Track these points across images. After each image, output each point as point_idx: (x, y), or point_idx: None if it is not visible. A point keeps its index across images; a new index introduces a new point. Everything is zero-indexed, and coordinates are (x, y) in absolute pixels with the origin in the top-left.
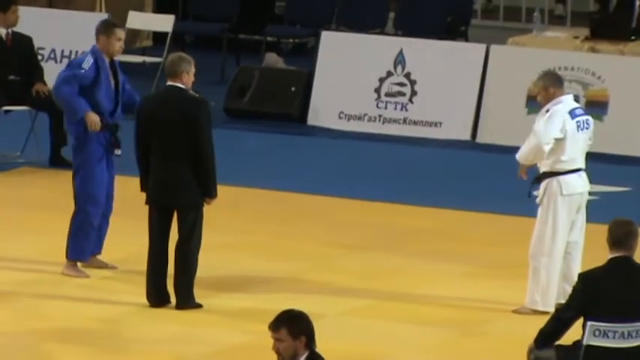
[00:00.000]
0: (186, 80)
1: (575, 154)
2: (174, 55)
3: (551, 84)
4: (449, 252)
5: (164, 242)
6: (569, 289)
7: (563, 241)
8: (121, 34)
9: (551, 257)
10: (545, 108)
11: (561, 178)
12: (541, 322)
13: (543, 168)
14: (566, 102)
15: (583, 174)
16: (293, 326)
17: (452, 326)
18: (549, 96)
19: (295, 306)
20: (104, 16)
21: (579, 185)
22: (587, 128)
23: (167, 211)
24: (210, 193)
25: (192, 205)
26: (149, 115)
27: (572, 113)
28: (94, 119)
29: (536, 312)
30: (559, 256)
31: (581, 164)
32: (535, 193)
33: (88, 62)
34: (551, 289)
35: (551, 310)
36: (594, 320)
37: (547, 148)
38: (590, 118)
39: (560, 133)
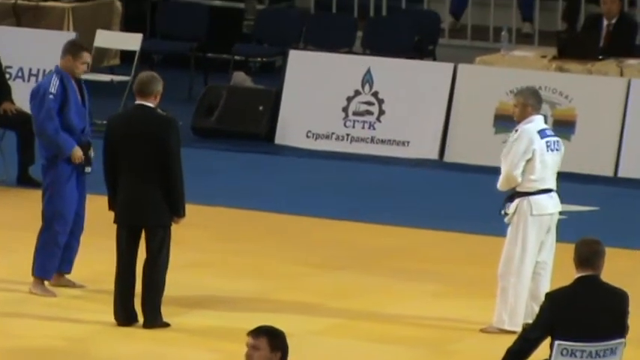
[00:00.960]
0: (157, 100)
1: (545, 174)
2: (147, 75)
3: (530, 102)
4: (418, 271)
5: (132, 261)
6: (537, 309)
7: (532, 261)
8: (87, 57)
9: (519, 277)
10: (515, 128)
11: (532, 198)
12: (509, 341)
13: (516, 187)
14: (537, 122)
15: (554, 194)
16: (273, 339)
17: (422, 345)
18: (526, 113)
19: (264, 324)
20: (72, 34)
21: (550, 206)
22: (557, 150)
23: (135, 230)
24: (178, 212)
25: (161, 224)
26: (118, 134)
27: (542, 133)
28: (78, 154)
29: (503, 331)
30: (527, 276)
31: (552, 185)
32: (503, 212)
33: (54, 85)
34: (518, 309)
35: (519, 329)
36: (562, 339)
37: (517, 172)
38: (560, 140)
39: (528, 154)
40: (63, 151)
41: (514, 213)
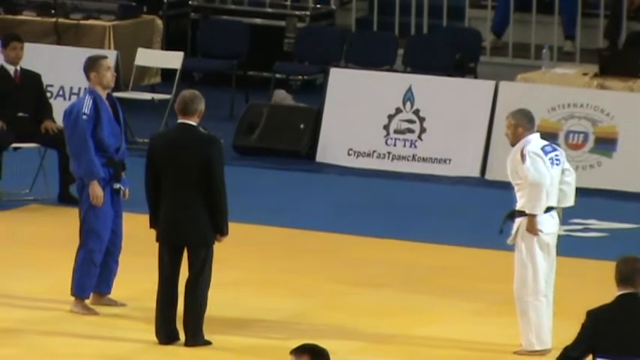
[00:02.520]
0: (199, 118)
1: (548, 191)
2: (189, 93)
3: (521, 124)
4: (460, 289)
5: (174, 279)
6: None
7: (544, 277)
8: (108, 63)
9: (537, 295)
10: (518, 152)
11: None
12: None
13: (517, 206)
14: (535, 141)
15: (554, 213)
16: (316, 357)
17: None
18: (518, 135)
19: (307, 342)
20: (113, 53)
21: (551, 225)
22: (557, 164)
23: (178, 248)
24: (222, 231)
25: (204, 242)
26: (160, 153)
27: (544, 150)
28: (97, 193)
29: (535, 352)
30: (543, 293)
31: (554, 202)
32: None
33: (87, 105)
34: (544, 327)
35: (549, 347)
36: (603, 357)
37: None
38: (559, 152)
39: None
40: (90, 177)
41: (516, 234)
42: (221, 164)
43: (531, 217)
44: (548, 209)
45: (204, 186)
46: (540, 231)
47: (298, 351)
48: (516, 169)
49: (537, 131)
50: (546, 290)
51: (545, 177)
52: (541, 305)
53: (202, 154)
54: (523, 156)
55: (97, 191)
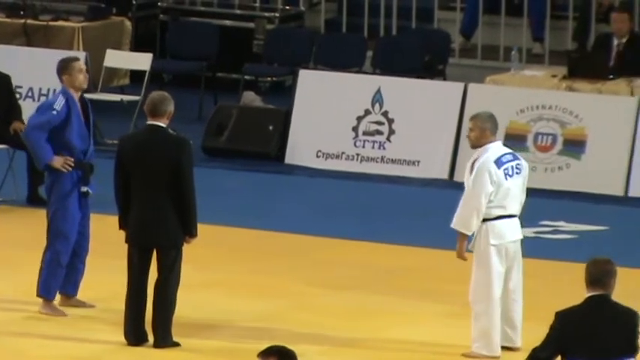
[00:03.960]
0: (169, 120)
1: (504, 202)
2: (158, 95)
3: (488, 126)
4: (429, 291)
5: (143, 280)
6: (510, 333)
7: (500, 285)
8: (80, 65)
9: (490, 302)
10: (473, 158)
11: (490, 224)
12: None
13: None
14: (493, 150)
15: (515, 221)
16: (284, 358)
17: None
18: (483, 139)
19: (275, 344)
20: (82, 54)
21: (509, 234)
22: (517, 173)
23: (147, 249)
24: (191, 232)
25: (173, 244)
26: (129, 154)
27: (499, 162)
28: (60, 161)
29: (483, 357)
30: (497, 300)
31: (514, 211)
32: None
33: (59, 103)
34: (494, 334)
35: (497, 354)
36: (572, 359)
37: (484, 206)
38: (521, 162)
39: (490, 188)
40: (39, 160)
41: (474, 240)
42: (190, 166)
43: (461, 236)
44: (507, 216)
45: (174, 188)
46: (470, 251)
47: (266, 353)
48: (467, 177)
49: (505, 138)
50: (514, 294)
51: (479, 198)
52: (493, 312)
53: (172, 156)
54: (472, 168)
55: (58, 161)
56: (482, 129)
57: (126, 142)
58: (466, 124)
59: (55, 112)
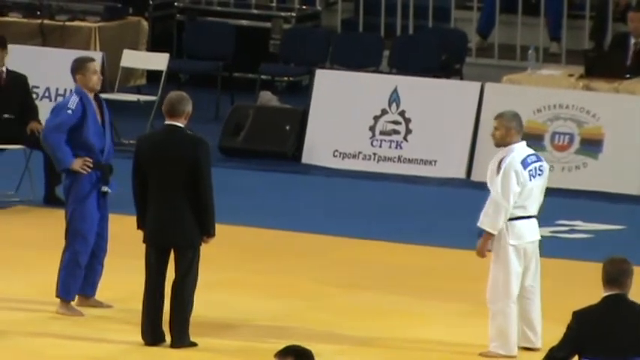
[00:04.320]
0: (187, 120)
1: (526, 203)
2: (176, 95)
3: (513, 125)
4: (444, 290)
5: (161, 281)
6: (530, 334)
7: (517, 285)
8: (95, 66)
9: (507, 301)
10: (498, 158)
11: (510, 224)
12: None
13: None
14: (519, 150)
15: (534, 221)
16: (300, 358)
17: None
18: (508, 138)
19: (292, 343)
20: (98, 54)
21: (528, 234)
22: (540, 175)
23: (164, 249)
24: (209, 232)
25: (190, 244)
26: (147, 154)
27: (525, 162)
28: (79, 163)
29: (500, 356)
30: (514, 299)
31: (534, 212)
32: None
33: (74, 102)
34: (511, 334)
35: (513, 354)
36: (589, 358)
37: (512, 206)
38: (544, 164)
39: (518, 187)
40: (60, 164)
41: (493, 240)
42: (208, 165)
43: (486, 235)
44: (527, 217)
45: (191, 187)
46: (489, 250)
47: (282, 354)
48: (492, 177)
49: (522, 138)
50: (531, 294)
51: (508, 198)
52: (511, 311)
53: (189, 156)
54: (499, 168)
55: (78, 163)
56: (508, 128)
57: (143, 142)
58: (483, 123)
59: (70, 112)
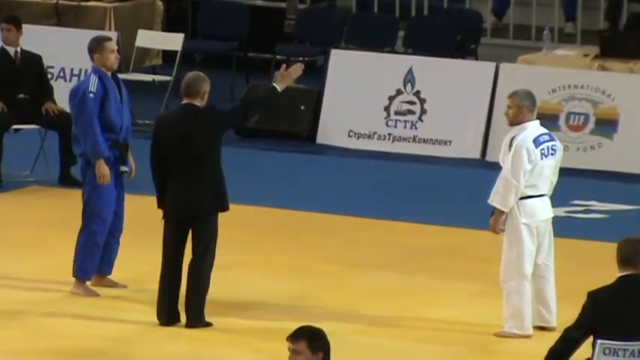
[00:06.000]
0: (204, 100)
1: (537, 181)
2: (193, 75)
3: (526, 104)
4: (459, 270)
5: (178, 260)
6: (545, 312)
7: (531, 263)
8: (112, 45)
9: (520, 280)
10: (511, 136)
11: (521, 203)
12: (551, 340)
13: None
14: (532, 129)
15: (546, 199)
16: (313, 340)
17: (462, 344)
18: (521, 116)
19: (306, 324)
20: (113, 34)
21: (540, 212)
22: (552, 154)
23: (183, 227)
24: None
25: (209, 211)
26: (165, 134)
27: (537, 141)
28: (104, 172)
29: (515, 335)
30: (528, 278)
31: (545, 191)
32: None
33: (93, 84)
34: (525, 312)
35: (529, 333)
36: (604, 339)
37: (522, 184)
38: (557, 143)
39: (529, 165)
40: (96, 152)
41: (505, 219)
42: (222, 115)
43: (498, 212)
44: (539, 196)
45: (208, 163)
46: (502, 230)
47: (295, 337)
48: (504, 155)
49: (537, 118)
50: (546, 272)
51: (518, 176)
52: (525, 290)
53: (207, 128)
54: (511, 146)
55: (103, 170)
56: (520, 106)
57: (161, 121)
58: (498, 103)
59: (92, 96)
